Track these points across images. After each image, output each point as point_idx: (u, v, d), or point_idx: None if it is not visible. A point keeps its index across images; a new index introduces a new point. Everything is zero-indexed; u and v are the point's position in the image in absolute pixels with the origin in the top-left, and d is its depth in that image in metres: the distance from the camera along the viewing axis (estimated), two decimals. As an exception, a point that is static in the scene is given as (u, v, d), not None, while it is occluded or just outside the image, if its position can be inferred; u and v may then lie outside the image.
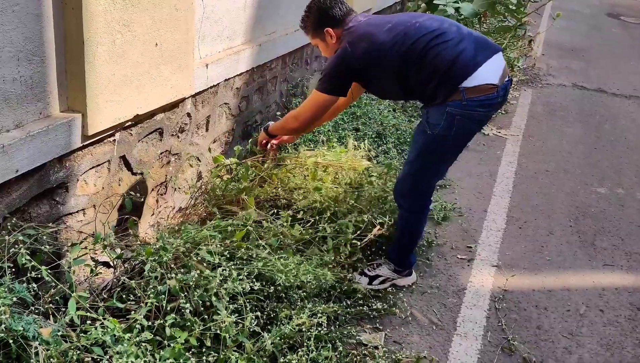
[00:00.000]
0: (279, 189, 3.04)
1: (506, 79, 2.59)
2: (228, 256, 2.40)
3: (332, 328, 2.52)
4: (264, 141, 3.15)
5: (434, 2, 5.26)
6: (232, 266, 2.30)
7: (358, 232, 2.86)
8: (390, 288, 2.91)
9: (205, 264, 2.27)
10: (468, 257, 3.34)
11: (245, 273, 2.31)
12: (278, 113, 4.17)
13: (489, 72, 2.50)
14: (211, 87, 3.28)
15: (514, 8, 5.72)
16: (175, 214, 3.23)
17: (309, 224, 2.84)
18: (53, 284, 2.03)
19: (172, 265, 2.25)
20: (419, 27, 2.56)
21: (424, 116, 2.63)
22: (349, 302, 2.71)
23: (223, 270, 2.24)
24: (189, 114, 3.14)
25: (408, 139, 4.35)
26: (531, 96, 6.50)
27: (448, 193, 4.07)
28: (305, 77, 4.63)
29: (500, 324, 2.81)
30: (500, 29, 6.11)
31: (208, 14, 3.17)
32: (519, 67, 6.79)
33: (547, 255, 3.46)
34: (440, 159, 2.71)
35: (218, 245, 2.38)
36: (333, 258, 2.76)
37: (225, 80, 3.42)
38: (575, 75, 7.58)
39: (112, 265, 2.42)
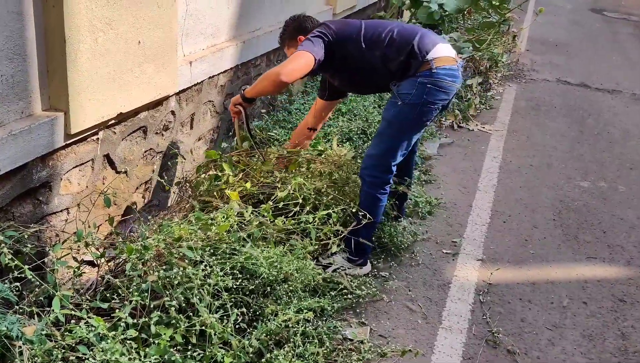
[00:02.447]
0: (262, 183, 3.03)
1: (459, 62, 2.91)
2: (211, 250, 2.40)
3: (319, 323, 2.54)
4: (237, 108, 3.04)
5: (418, -1, 5.27)
6: (215, 261, 2.30)
7: (340, 223, 2.87)
8: (374, 282, 2.93)
9: (187, 260, 2.28)
10: (453, 251, 3.36)
11: (229, 268, 2.31)
12: (263, 110, 4.18)
13: (447, 48, 2.87)
14: (195, 84, 3.28)
15: (497, 4, 5.76)
16: (160, 211, 3.22)
17: (291, 214, 2.85)
18: (37, 284, 2.02)
19: (154, 263, 2.25)
20: (383, 24, 2.95)
21: (395, 90, 2.86)
22: (333, 294, 2.71)
23: (205, 265, 2.25)
24: (173, 112, 3.13)
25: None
26: (515, 92, 6.55)
27: (433, 188, 4.09)
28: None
29: (484, 317, 2.84)
30: (484, 25, 6.15)
31: (191, 12, 3.16)
32: (503, 62, 6.83)
33: (531, 248, 3.50)
34: (409, 129, 2.90)
35: (199, 240, 2.38)
36: (317, 247, 2.76)
37: (210, 77, 3.41)
38: (558, 70, 7.65)
39: (96, 263, 2.42)
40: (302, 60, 2.73)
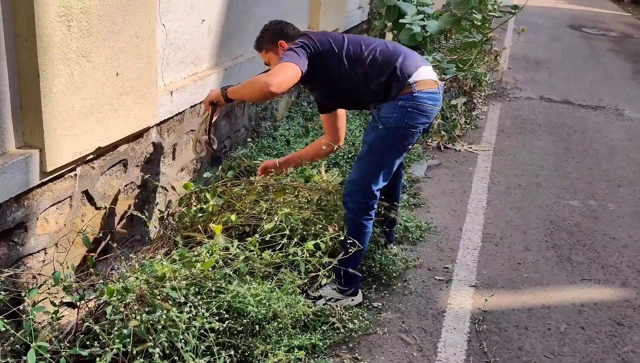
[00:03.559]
0: (247, 214, 2.94)
1: (440, 85, 2.88)
2: (195, 289, 2.30)
3: (311, 361, 2.43)
4: (213, 103, 2.89)
5: (400, 21, 5.26)
6: (200, 301, 2.20)
7: (328, 252, 2.78)
8: (366, 314, 2.83)
9: (171, 301, 2.17)
10: (446, 278, 3.28)
11: (215, 308, 2.21)
12: (249, 140, 4.10)
13: (429, 71, 2.84)
14: (176, 114, 3.19)
15: (479, 24, 5.76)
16: (142, 245, 3.11)
17: (278, 247, 2.76)
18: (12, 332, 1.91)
19: (137, 305, 2.14)
20: (367, 41, 2.90)
21: (375, 113, 2.81)
22: (324, 328, 2.62)
23: (190, 306, 2.14)
24: (154, 144, 3.04)
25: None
26: (499, 110, 6.54)
27: (423, 211, 4.02)
28: (274, 100, 4.57)
29: (481, 347, 2.75)
30: (465, 44, 6.15)
31: (171, 40, 3.09)
32: (486, 82, 6.84)
33: (525, 271, 3.43)
34: (390, 153, 2.83)
35: (183, 279, 2.28)
36: (306, 281, 2.67)
37: (191, 107, 3.33)
38: (541, 87, 7.68)
39: (76, 305, 2.30)
40: (290, 72, 2.62)
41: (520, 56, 9.27)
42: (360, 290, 2.97)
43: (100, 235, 2.72)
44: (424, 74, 2.78)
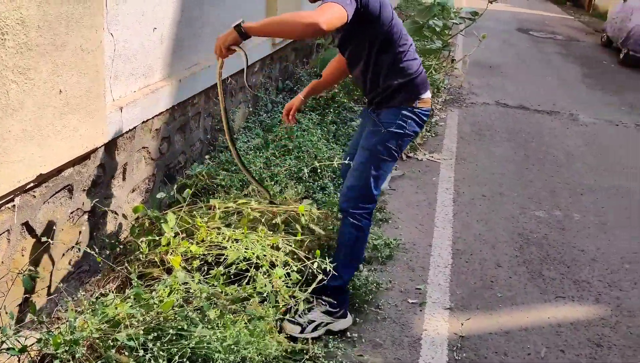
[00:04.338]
0: (207, 243, 2.70)
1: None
2: (154, 335, 2.05)
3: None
4: (229, 51, 2.46)
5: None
6: (160, 349, 1.96)
7: (300, 282, 2.58)
8: (341, 348, 2.64)
9: (127, 352, 1.92)
10: (419, 300, 3.12)
11: (177, 356, 1.97)
12: (207, 156, 3.84)
13: (429, 90, 2.83)
14: (127, 131, 2.92)
15: (439, 30, 5.66)
16: (92, 276, 2.83)
17: (244, 279, 2.53)
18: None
19: (87, 356, 1.88)
20: (404, 32, 2.73)
21: (374, 118, 2.72)
22: (298, 368, 2.41)
23: (150, 357, 1.90)
24: (102, 165, 2.76)
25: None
26: (458, 116, 6.48)
27: (390, 227, 3.86)
28: (230, 110, 4.32)
29: (462, 378, 2.61)
30: (425, 51, 6.05)
31: (120, 51, 2.81)
32: (444, 87, 6.77)
33: (498, 290, 3.31)
34: (390, 158, 2.75)
35: (140, 323, 2.03)
36: (276, 314, 2.46)
37: (143, 122, 3.06)
38: (496, 92, 7.68)
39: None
40: (337, 13, 2.32)
41: (474, 61, 9.28)
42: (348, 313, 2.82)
43: (44, 270, 2.43)
44: (428, 94, 2.78)
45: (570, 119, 6.86)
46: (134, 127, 2.99)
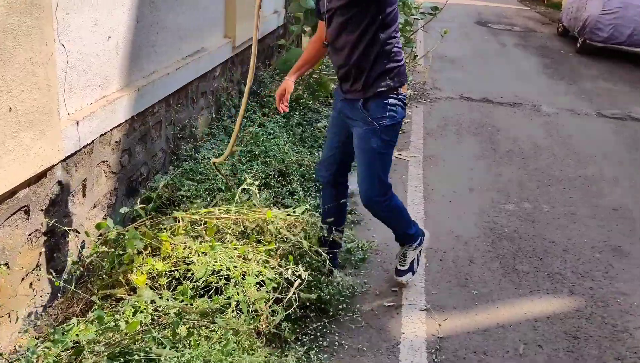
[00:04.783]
0: (174, 258, 2.60)
1: None
2: (120, 360, 1.95)
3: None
4: None
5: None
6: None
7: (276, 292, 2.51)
8: (321, 358, 2.58)
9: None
10: (395, 303, 3.08)
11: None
12: (170, 168, 3.72)
13: None
14: (85, 146, 2.79)
15: (401, 26, 5.63)
16: (53, 299, 2.70)
17: (215, 291, 2.45)
18: None
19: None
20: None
21: (364, 114, 2.73)
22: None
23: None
24: (60, 183, 2.63)
25: (313, 176, 4.05)
26: (423, 112, 6.47)
27: (362, 229, 3.81)
28: (193, 117, 4.21)
29: (442, 381, 2.57)
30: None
31: (73, 63, 2.69)
32: (408, 83, 6.74)
33: (473, 287, 3.29)
34: (388, 149, 2.84)
35: (104, 348, 1.93)
36: (250, 326, 2.38)
37: (101, 135, 2.94)
38: (459, 86, 7.70)
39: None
40: None
41: (435, 55, 9.30)
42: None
43: (3, 296, 2.30)
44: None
45: (534, 110, 6.93)
46: (92, 141, 2.86)
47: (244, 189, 3.53)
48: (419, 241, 3.16)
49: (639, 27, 10.00)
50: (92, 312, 2.18)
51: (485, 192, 4.56)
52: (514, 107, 6.98)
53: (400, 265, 3.15)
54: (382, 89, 2.71)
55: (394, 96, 2.74)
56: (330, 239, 3.03)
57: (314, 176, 4.07)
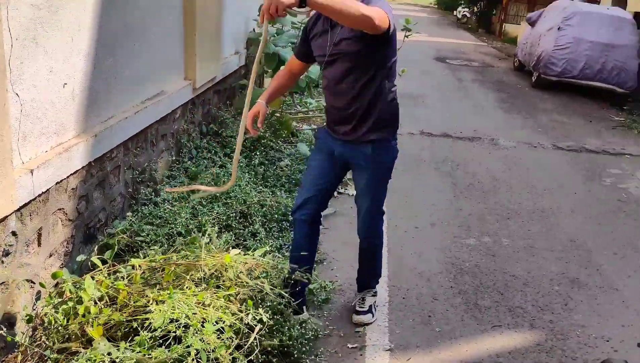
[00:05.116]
0: (132, 307, 2.55)
1: None
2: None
3: None
4: (287, 6, 2.25)
5: (282, 67, 5.09)
6: None
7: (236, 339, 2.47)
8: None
9: None
10: (359, 344, 3.07)
11: None
12: (129, 214, 3.67)
13: None
14: (40, 195, 2.75)
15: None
16: (7, 353, 2.61)
17: (173, 340, 2.40)
18: None
19: None
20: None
21: (370, 154, 2.87)
22: None
23: None
24: (14, 233, 2.57)
25: (275, 216, 4.05)
26: (385, 148, 6.54)
27: (325, 269, 3.81)
28: (152, 160, 4.19)
29: (407, 423, 2.55)
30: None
31: (28, 111, 2.66)
32: (369, 120, 6.84)
33: (436, 325, 3.30)
34: (386, 187, 3.11)
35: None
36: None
37: (57, 183, 2.90)
38: (420, 122, 7.85)
39: None
40: (384, 18, 2.53)
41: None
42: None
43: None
44: None
45: (492, 144, 7.10)
46: (48, 190, 2.82)
47: (204, 232, 3.51)
48: (376, 289, 3.36)
49: (590, 61, 10.41)
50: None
51: (447, 227, 4.62)
52: (473, 141, 7.14)
53: (360, 307, 3.27)
54: (385, 134, 2.89)
55: (394, 138, 2.97)
56: (301, 277, 3.02)
57: (276, 215, 4.07)
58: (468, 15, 28.48)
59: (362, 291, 3.34)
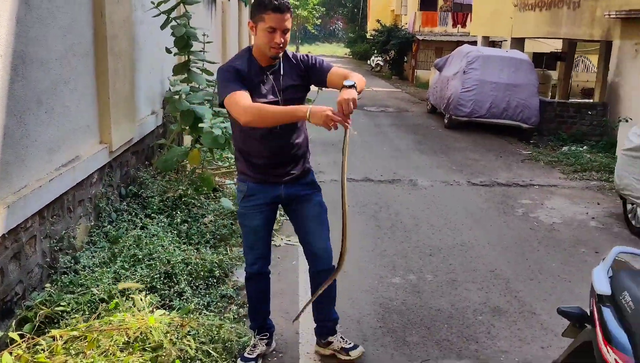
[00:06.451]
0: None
1: None
2: None
3: None
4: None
5: (200, 125, 5.15)
6: None
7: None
8: None
9: None
10: (292, 394, 3.07)
11: None
12: (47, 285, 3.55)
13: None
14: (-52, 272, 2.64)
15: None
16: None
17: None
18: None
19: None
20: None
21: (310, 181, 3.29)
22: None
23: None
24: None
25: (202, 274, 4.02)
26: (309, 197, 6.65)
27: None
28: (70, 227, 4.09)
29: None
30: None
31: None
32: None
33: (368, 366, 3.36)
34: None
35: None
36: None
37: (-32, 258, 2.79)
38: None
39: None
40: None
41: (318, 140, 9.71)
42: None
43: None
44: None
45: (411, 184, 7.36)
46: (-44, 266, 2.71)
47: (128, 296, 3.45)
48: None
49: (496, 101, 11.08)
50: None
51: (373, 269, 4.73)
52: (394, 183, 7.39)
53: (346, 344, 3.42)
54: (309, 159, 3.26)
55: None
56: (264, 324, 3.39)
57: (202, 273, 4.04)
58: (381, 63, 29.65)
59: (330, 336, 3.45)
